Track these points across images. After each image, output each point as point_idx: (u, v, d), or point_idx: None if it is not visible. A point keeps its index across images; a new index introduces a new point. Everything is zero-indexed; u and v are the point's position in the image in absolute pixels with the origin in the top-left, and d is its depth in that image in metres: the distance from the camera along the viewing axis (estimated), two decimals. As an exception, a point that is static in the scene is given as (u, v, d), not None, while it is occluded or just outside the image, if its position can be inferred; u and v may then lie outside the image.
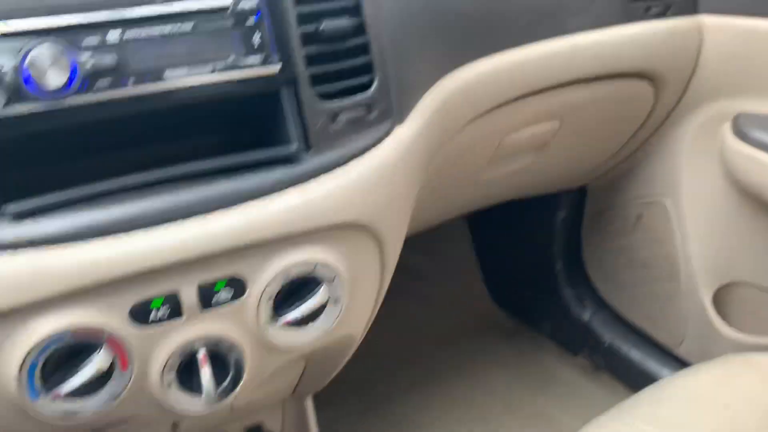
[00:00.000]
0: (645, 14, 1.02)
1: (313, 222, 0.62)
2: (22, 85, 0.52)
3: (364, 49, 0.68)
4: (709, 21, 1.07)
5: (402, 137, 0.71)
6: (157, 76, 0.57)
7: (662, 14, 1.04)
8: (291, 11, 0.62)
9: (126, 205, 0.56)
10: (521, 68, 0.90)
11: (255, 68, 0.61)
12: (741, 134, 1.08)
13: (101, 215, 0.55)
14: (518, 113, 0.96)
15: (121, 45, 0.55)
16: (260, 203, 0.60)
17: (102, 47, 0.55)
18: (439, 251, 1.64)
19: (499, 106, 0.91)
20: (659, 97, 1.11)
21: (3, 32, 0.52)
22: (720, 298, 1.23)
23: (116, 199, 0.56)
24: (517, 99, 0.93)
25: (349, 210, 0.65)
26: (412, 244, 0.96)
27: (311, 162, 0.63)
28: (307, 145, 0.64)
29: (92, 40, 0.54)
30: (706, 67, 1.09)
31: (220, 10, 0.59)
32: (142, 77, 0.56)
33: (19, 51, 0.52)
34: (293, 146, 0.63)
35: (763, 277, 1.16)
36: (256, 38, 0.60)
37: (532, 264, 1.53)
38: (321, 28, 0.64)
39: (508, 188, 1.22)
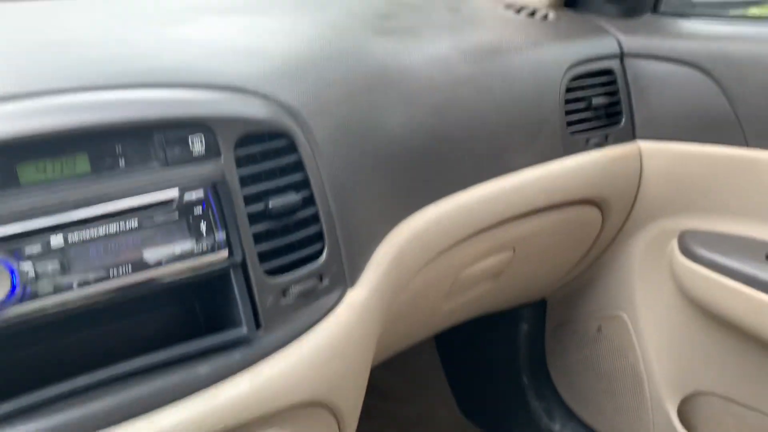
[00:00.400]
0: (586, 145, 1.07)
1: (266, 407, 0.61)
2: (-40, 300, 0.51)
3: (313, 219, 0.69)
4: (646, 146, 1.12)
5: (355, 301, 0.71)
6: (104, 275, 0.57)
7: (602, 144, 1.09)
8: (237, 193, 0.63)
9: (69, 411, 0.54)
10: (470, 209, 0.92)
11: (203, 257, 0.61)
12: (687, 252, 1.11)
13: (42, 425, 0.53)
14: (471, 250, 0.98)
15: (65, 249, 0.55)
16: (210, 393, 0.59)
17: (45, 254, 0.54)
18: (406, 368, 1.62)
19: (452, 246, 0.92)
20: (606, 219, 1.15)
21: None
22: (685, 410, 1.24)
23: (59, 406, 0.55)
24: (468, 237, 0.95)
25: (304, 389, 0.64)
26: (380, 363, 0.94)
27: (262, 342, 0.63)
28: (258, 324, 0.63)
29: (34, 248, 0.54)
30: (648, 189, 1.14)
31: (166, 203, 0.60)
32: (88, 278, 0.56)
33: (-42, 267, 0.52)
34: (243, 329, 0.62)
35: (723, 386, 1.17)
36: (203, 227, 0.61)
37: (499, 377, 1.52)
38: (269, 206, 0.65)
39: (468, 311, 1.22)
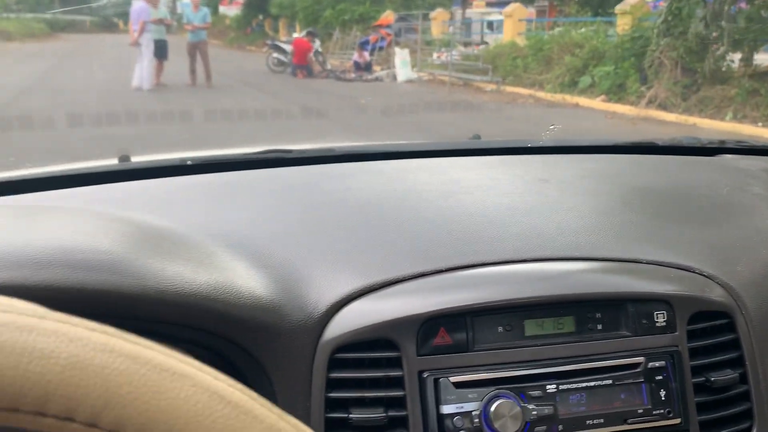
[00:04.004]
0: None
1: None
2: (484, 428, 0.64)
3: (743, 396, 0.73)
4: None
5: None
6: (580, 425, 0.66)
7: None
8: (687, 366, 0.70)
9: None
10: None
11: (660, 420, 0.68)
12: None
13: None
14: None
15: (555, 395, 0.66)
16: None
17: (543, 398, 0.66)
18: None
19: None
20: None
21: (472, 380, 0.65)
22: None
23: None
24: None
25: None
26: None
27: None
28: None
29: (536, 392, 0.66)
30: None
31: (633, 367, 0.69)
32: (570, 425, 0.66)
33: (482, 399, 0.65)
34: None
35: None
36: (662, 393, 0.69)
37: None
38: (710, 379, 0.71)
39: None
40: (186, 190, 0.93)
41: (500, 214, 0.85)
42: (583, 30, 9.93)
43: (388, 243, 0.77)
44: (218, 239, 0.73)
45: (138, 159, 1.10)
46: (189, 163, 1.01)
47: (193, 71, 9.63)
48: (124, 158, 1.07)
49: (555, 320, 0.69)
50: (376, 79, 11.22)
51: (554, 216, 0.85)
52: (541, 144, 1.25)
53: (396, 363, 0.66)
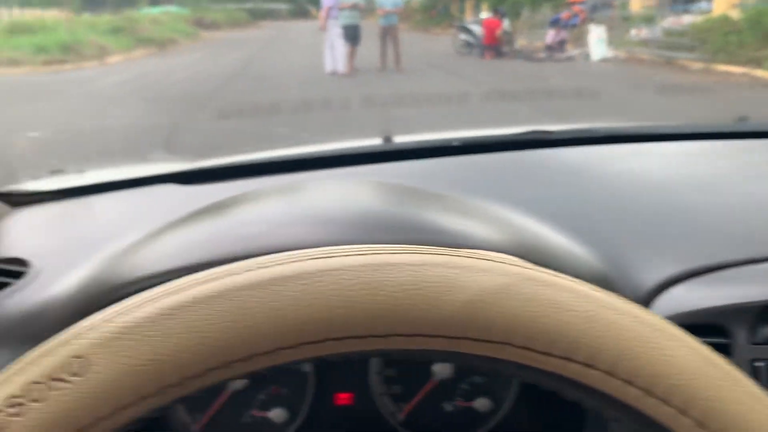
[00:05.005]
0: None
1: None
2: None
3: None
4: None
5: None
6: None
7: None
8: None
9: None
10: None
11: None
12: None
13: None
14: None
15: None
16: None
17: None
18: None
19: None
20: None
21: None
22: None
23: None
24: None
25: None
26: None
27: None
28: None
29: None
30: None
31: None
32: None
33: None
34: None
35: None
36: None
37: None
38: None
39: None
40: (461, 169, 0.93)
41: None
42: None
43: (701, 228, 0.74)
44: (529, 215, 0.74)
45: (400, 139, 1.12)
46: (455, 143, 1.01)
47: (383, 55, 9.89)
48: (387, 139, 1.10)
49: None
50: (568, 58, 10.79)
51: None
52: None
53: (723, 349, 0.62)
